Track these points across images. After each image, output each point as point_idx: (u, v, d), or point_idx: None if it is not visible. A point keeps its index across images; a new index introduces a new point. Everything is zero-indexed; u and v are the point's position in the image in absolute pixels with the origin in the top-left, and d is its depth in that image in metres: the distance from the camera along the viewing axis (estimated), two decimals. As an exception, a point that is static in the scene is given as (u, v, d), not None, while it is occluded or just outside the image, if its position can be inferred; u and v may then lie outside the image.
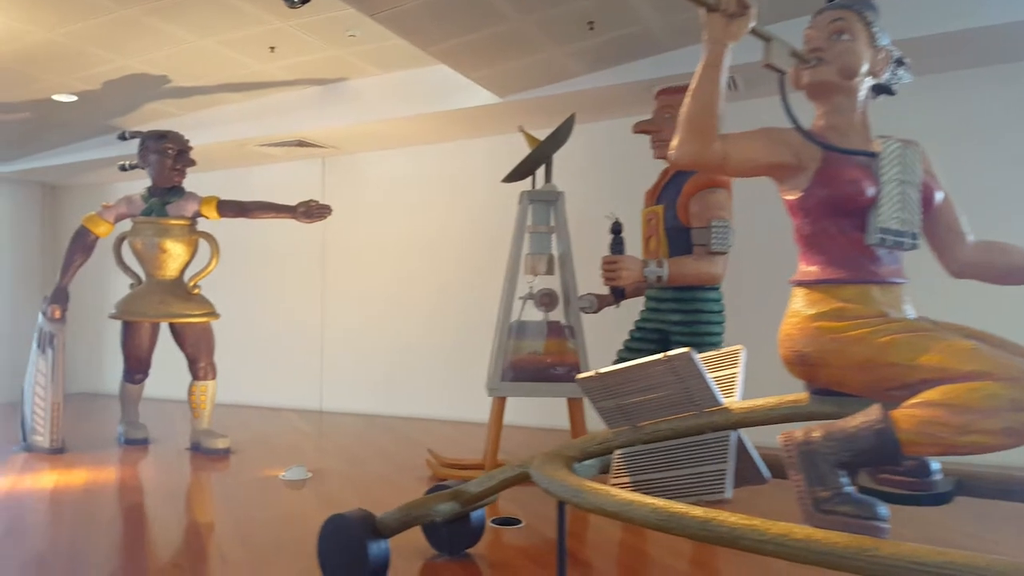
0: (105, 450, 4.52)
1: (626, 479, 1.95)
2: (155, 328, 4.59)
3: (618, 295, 3.42)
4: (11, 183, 6.65)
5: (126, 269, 4.64)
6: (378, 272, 5.84)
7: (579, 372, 3.69)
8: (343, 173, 5.92)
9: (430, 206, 5.65)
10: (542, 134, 3.79)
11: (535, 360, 3.76)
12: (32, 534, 3.00)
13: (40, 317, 4.43)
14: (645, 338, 3.41)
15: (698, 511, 1.54)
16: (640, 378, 1.90)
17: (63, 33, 3.87)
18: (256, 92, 5.06)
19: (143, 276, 4.60)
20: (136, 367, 4.62)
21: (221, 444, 4.39)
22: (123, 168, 4.68)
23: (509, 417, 5.03)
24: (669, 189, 3.27)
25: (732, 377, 1.91)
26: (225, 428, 4.48)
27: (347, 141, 5.48)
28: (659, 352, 3.41)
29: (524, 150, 3.84)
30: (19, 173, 6.47)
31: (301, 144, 5.44)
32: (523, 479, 2.19)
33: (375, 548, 2.24)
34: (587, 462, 2.12)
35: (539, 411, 4.82)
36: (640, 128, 3.39)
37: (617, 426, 2.01)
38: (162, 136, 4.46)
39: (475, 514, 2.58)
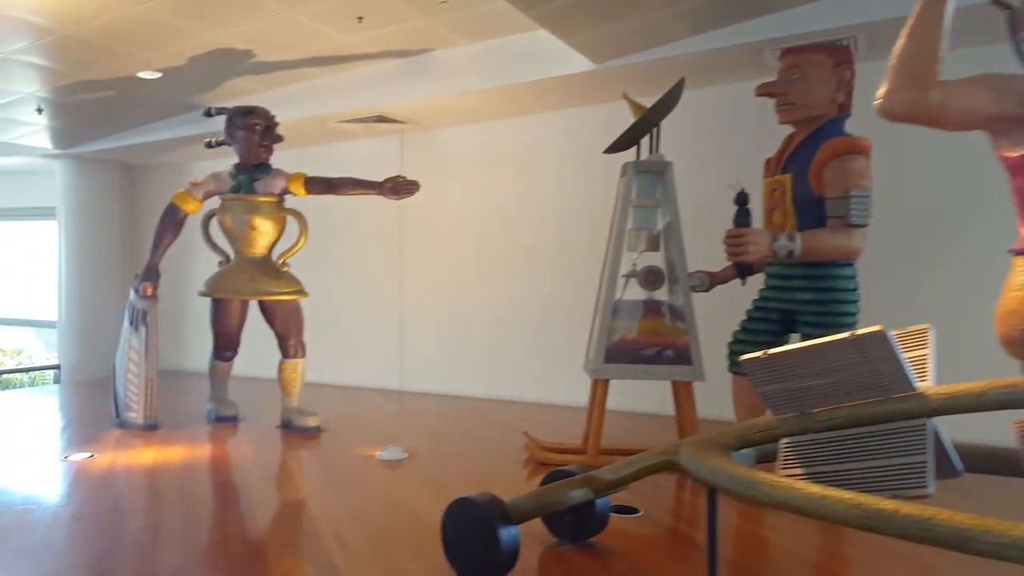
0: (196, 427, 4.52)
1: (798, 470, 1.77)
2: (244, 306, 4.55)
3: (743, 271, 3.22)
4: (91, 163, 6.70)
5: (214, 247, 4.61)
6: (458, 250, 5.72)
7: (686, 354, 3.51)
8: (422, 149, 5.80)
9: (512, 181, 5.49)
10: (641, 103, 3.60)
11: (638, 341, 3.59)
12: (139, 510, 2.97)
13: (132, 294, 4.42)
14: (766, 318, 3.21)
15: (911, 508, 1.36)
16: (815, 360, 1.71)
17: (152, 6, 3.81)
18: (337, 67, 4.95)
19: (231, 254, 4.56)
20: (226, 345, 4.59)
21: (312, 422, 4.34)
22: (209, 145, 4.63)
23: (575, 399, 4.91)
24: (798, 157, 3.04)
25: (923, 359, 1.71)
26: (309, 407, 4.43)
27: (427, 116, 5.35)
28: (782, 334, 3.25)
29: (618, 120, 3.65)
30: (99, 153, 6.51)
31: (381, 120, 5.33)
32: (665, 467, 2.04)
33: (506, 535, 2.11)
34: (744, 451, 1.95)
35: (629, 395, 4.63)
36: (764, 90, 3.17)
37: (783, 413, 1.83)
38: (249, 112, 4.39)
39: (599, 501, 2.44)
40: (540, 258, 5.36)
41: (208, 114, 4.54)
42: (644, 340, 3.60)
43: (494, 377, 5.50)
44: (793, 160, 3.07)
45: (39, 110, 5.20)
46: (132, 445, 4.01)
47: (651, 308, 3.62)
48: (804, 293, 3.03)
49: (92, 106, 5.33)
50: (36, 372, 7.94)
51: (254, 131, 4.37)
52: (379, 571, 2.33)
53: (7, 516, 2.84)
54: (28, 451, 3.87)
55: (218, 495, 3.31)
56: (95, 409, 5.13)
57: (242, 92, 5.20)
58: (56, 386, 6.64)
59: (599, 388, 3.62)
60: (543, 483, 2.55)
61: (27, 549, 2.50)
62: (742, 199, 3.04)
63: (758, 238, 2.86)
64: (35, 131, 5.94)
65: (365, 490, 3.27)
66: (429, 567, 2.33)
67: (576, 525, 2.47)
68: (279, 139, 4.43)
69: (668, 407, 4.39)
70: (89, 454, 3.74)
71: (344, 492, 3.22)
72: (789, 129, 3.25)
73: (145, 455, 3.81)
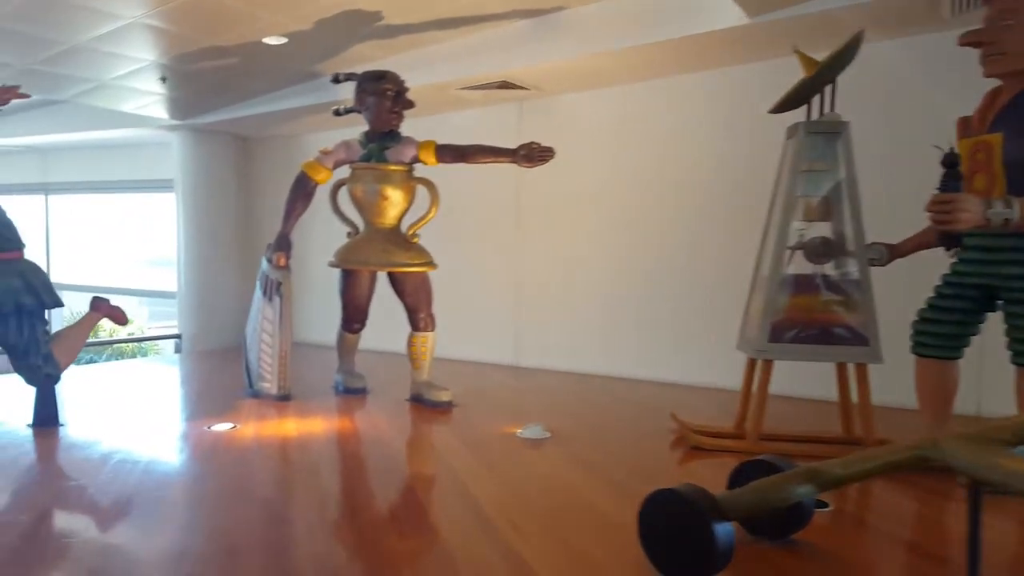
0: (327, 399, 4.48)
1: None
2: (374, 277, 4.47)
3: (950, 242, 2.90)
4: (208, 135, 6.74)
5: (343, 217, 4.53)
6: (579, 223, 5.51)
7: (862, 334, 3.23)
8: (542, 117, 5.58)
9: (640, 148, 5.23)
10: (791, 61, 3.30)
11: (803, 319, 3.33)
12: (292, 482, 2.90)
13: (264, 264, 4.39)
14: (961, 295, 2.88)
15: None
16: None
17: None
18: (462, 30, 4.77)
19: (359, 224, 4.47)
20: (355, 316, 4.52)
21: (444, 396, 4.24)
22: (337, 112, 4.53)
23: (726, 381, 4.67)
24: (1011, 114, 2.70)
25: None
26: (407, 377, 4.37)
27: (553, 81, 5.12)
28: (978, 312, 2.94)
29: (770, 80, 3.35)
30: (214, 124, 6.54)
31: (504, 86, 5.14)
32: (916, 463, 1.80)
33: (722, 532, 1.91)
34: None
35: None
36: (970, 39, 2.81)
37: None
38: (380, 76, 4.26)
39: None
40: (672, 231, 5.10)
41: (336, 80, 4.43)
42: (808, 317, 3.34)
43: (616, 354, 5.30)
44: (1005, 118, 2.72)
45: (163, 79, 5.21)
46: (270, 416, 3.99)
47: (806, 283, 3.36)
48: (1013, 267, 2.70)
49: (213, 75, 5.31)
50: (147, 342, 8.15)
51: (385, 96, 4.23)
52: (565, 558, 2.18)
53: (163, 485, 2.82)
54: (172, 420, 3.89)
55: (372, 468, 3.23)
56: (223, 379, 5.17)
57: (364, 59, 5.08)
58: (176, 356, 6.77)
59: (762, 369, 3.38)
60: (735, 475, 2.34)
61: (184, 521, 2.46)
62: (951, 160, 2.72)
63: (969, 204, 2.53)
64: (154, 102, 5.99)
65: (518, 470, 3.14)
66: (619, 557, 2.17)
67: (778, 521, 2.25)
68: (410, 105, 4.29)
69: (815, 390, 4.12)
70: (231, 424, 3.73)
71: (497, 472, 3.09)
72: (984, 85, 2.90)
73: (286, 426, 3.77)
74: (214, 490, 2.82)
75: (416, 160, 4.32)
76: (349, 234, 4.52)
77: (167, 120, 6.45)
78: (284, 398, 4.30)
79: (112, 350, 9.02)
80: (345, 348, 4.68)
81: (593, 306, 5.44)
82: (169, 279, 7.35)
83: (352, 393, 4.57)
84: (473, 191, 5.76)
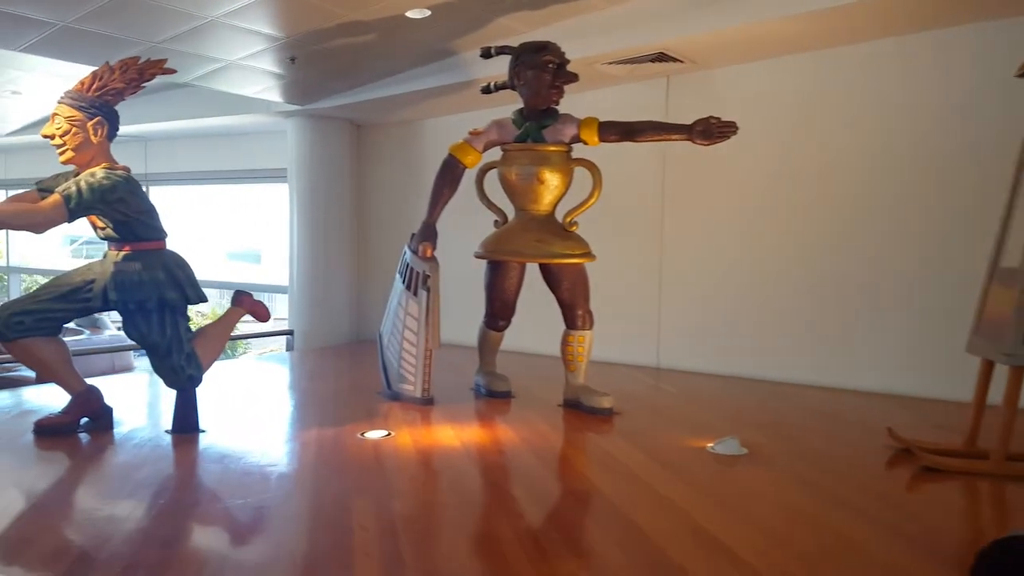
0: (470, 402, 4.11)
1: None
2: (524, 270, 4.06)
3: None
4: (323, 121, 6.45)
5: (490, 204, 4.14)
6: (732, 211, 4.99)
7: None
8: (692, 94, 5.07)
9: (805, 128, 4.68)
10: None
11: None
12: (477, 500, 2.50)
13: (406, 256, 4.03)
14: None
15: None
16: None
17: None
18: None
19: (507, 212, 4.07)
20: (502, 312, 4.13)
21: (606, 403, 3.80)
22: (487, 90, 4.13)
23: (922, 389, 4.11)
24: None
25: None
26: (551, 379, 3.93)
27: (713, 52, 4.62)
28: None
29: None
30: (331, 110, 6.25)
31: (660, 59, 4.66)
32: None
33: None
34: None
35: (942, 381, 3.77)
36: None
37: None
38: (540, 48, 3.83)
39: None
40: (835, 223, 4.54)
41: (487, 55, 4.04)
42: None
43: (776, 356, 4.78)
44: None
45: (292, 59, 4.92)
46: (421, 422, 3.62)
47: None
48: None
49: (344, 55, 4.99)
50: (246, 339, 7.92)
51: (546, 70, 3.81)
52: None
53: (342, 507, 2.45)
54: (317, 426, 3.55)
55: (565, 484, 2.81)
56: (353, 379, 4.88)
57: (506, 32, 4.66)
58: (287, 353, 6.51)
59: (1012, 376, 2.83)
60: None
61: (388, 553, 2.07)
62: None
63: None
64: (273, 86, 5.72)
65: (735, 493, 2.68)
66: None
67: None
68: (573, 78, 3.85)
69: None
70: (386, 432, 3.36)
71: (713, 495, 2.64)
72: None
73: (442, 434, 3.39)
74: (407, 514, 2.45)
75: (576, 140, 3.89)
76: (496, 222, 4.13)
77: (283, 106, 6.19)
78: (427, 402, 3.93)
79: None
80: (488, 347, 4.29)
81: (749, 304, 4.91)
82: (249, 273, 7.10)
83: (495, 396, 4.18)
84: (614, 175, 5.30)
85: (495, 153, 4.05)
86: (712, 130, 3.68)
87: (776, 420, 3.81)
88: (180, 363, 3.24)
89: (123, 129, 3.33)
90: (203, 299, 3.32)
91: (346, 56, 5.06)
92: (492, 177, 4.10)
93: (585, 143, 3.89)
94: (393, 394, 4.08)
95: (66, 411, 3.29)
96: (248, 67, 5.11)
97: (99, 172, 3.04)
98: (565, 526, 2.43)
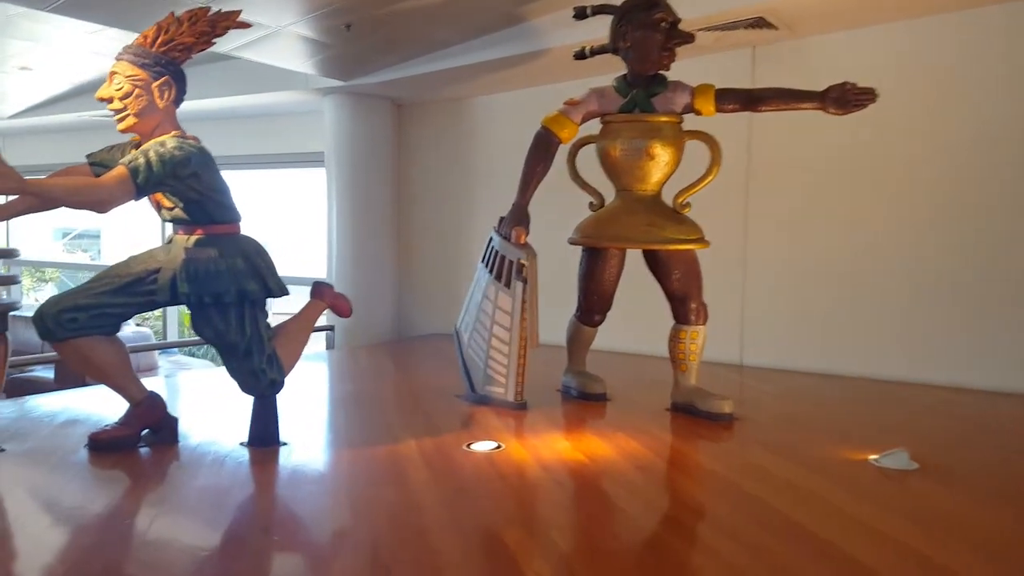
0: (561, 404, 3.69)
1: None
2: (624, 258, 3.63)
3: None
4: (364, 99, 5.95)
5: (585, 184, 3.70)
6: (828, 196, 4.57)
7: None
8: (779, 65, 4.62)
9: (910, 102, 4.25)
10: None
11: None
12: (672, 538, 2.06)
13: (494, 241, 3.58)
14: None
15: None
16: None
17: None
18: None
19: (605, 192, 3.63)
20: (599, 305, 3.69)
21: (726, 407, 3.38)
22: (581, 55, 3.68)
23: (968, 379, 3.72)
24: None
25: None
26: (645, 380, 3.50)
27: (817, 17, 4.19)
28: None
29: None
30: (373, 87, 5.76)
31: (757, 24, 4.22)
32: None
33: None
34: None
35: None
36: None
37: None
38: (651, 4, 3.38)
39: None
40: (944, 209, 4.14)
41: (582, 15, 3.58)
42: None
43: (862, 352, 4.38)
44: None
45: (348, 26, 4.44)
46: (527, 431, 3.19)
47: None
48: None
49: (402, 22, 4.52)
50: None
51: (657, 29, 3.37)
52: None
53: (494, 547, 2.01)
54: (406, 435, 3.10)
55: (739, 508, 2.36)
56: (417, 380, 4.43)
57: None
58: (328, 352, 6.02)
59: None
60: None
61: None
62: None
63: None
64: (315, 60, 5.24)
65: (927, 512, 2.27)
66: None
67: None
68: (688, 38, 3.41)
69: None
70: (495, 444, 2.92)
71: (907, 515, 2.22)
72: None
73: (558, 445, 2.95)
74: (579, 553, 2.01)
75: (689, 110, 3.45)
76: (592, 205, 3.69)
77: (322, 82, 5.71)
78: (520, 407, 3.49)
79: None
80: (579, 344, 3.86)
81: (835, 295, 4.50)
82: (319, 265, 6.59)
83: (589, 399, 3.74)
84: (690, 148, 4.87)
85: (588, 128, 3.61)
86: (848, 97, 3.27)
87: (923, 426, 3.40)
88: (261, 366, 2.78)
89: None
90: (285, 291, 2.86)
91: (404, 23, 4.59)
92: (585, 154, 3.66)
93: (698, 113, 3.46)
94: (479, 397, 3.63)
95: (125, 422, 2.83)
96: (294, 35, 4.63)
97: (169, 142, 2.57)
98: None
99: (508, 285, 3.47)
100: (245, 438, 2.89)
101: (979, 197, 4.08)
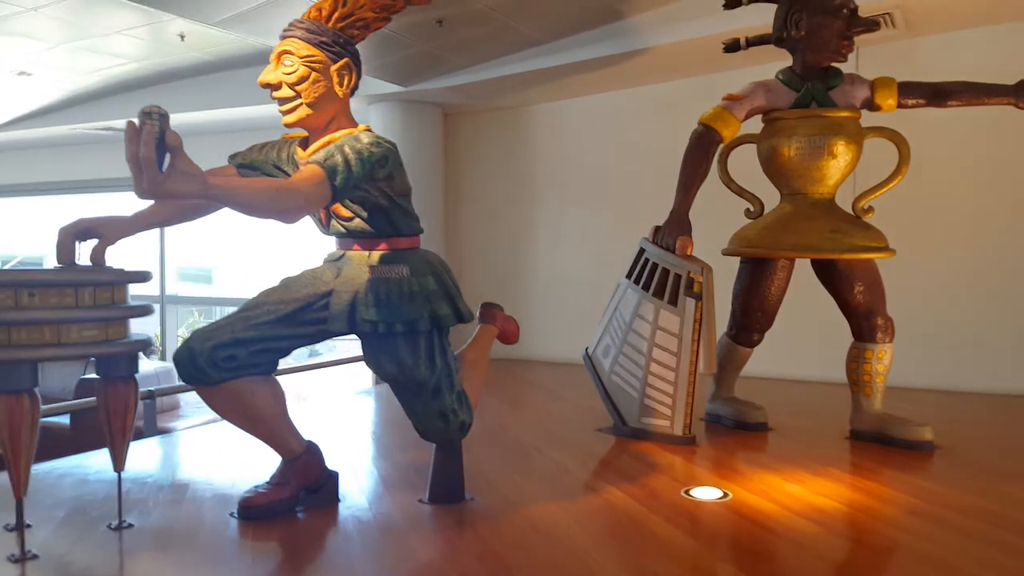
0: (725, 435, 3.29)
1: None
2: (792, 270, 3.26)
3: None
4: (413, 106, 5.48)
5: (742, 189, 3.34)
6: (919, 207, 4.29)
7: None
8: (887, 68, 4.36)
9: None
10: None
11: None
12: None
13: (649, 253, 3.17)
14: None
15: None
16: None
17: None
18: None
19: (763, 197, 3.27)
20: (760, 323, 3.32)
21: (927, 435, 3.02)
22: (734, 47, 3.33)
23: None
24: None
25: None
26: (790, 406, 3.17)
27: (943, 16, 3.93)
28: None
29: None
30: (425, 93, 5.32)
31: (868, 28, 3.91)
32: None
33: None
34: None
35: None
36: None
37: None
38: (831, -10, 3.05)
39: None
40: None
41: (733, 4, 3.25)
42: None
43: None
44: None
45: (440, 22, 3.99)
46: (730, 471, 2.76)
47: None
48: None
49: (489, 20, 4.10)
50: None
51: (839, 16, 3.04)
52: None
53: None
54: (600, 484, 2.65)
55: None
56: (532, 411, 3.97)
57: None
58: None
59: None
60: None
61: None
62: None
63: None
64: (381, 63, 4.78)
65: None
66: None
67: None
68: (873, 26, 3.09)
69: None
70: (722, 493, 2.48)
71: None
72: None
73: (789, 488, 2.53)
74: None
75: (868, 104, 3.13)
76: (749, 212, 3.33)
77: (372, 88, 5.23)
78: (689, 441, 3.07)
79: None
80: (733, 366, 3.48)
81: (979, 311, 4.24)
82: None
83: (749, 429, 3.36)
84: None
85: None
86: (1041, 92, 2.98)
87: None
88: (452, 405, 2.29)
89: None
90: (472, 316, 2.38)
91: (491, 22, 4.17)
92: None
93: (878, 108, 3.13)
94: (633, 431, 3.20)
95: (282, 481, 2.30)
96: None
97: (364, 136, 2.09)
98: None
99: (673, 303, 3.06)
100: (424, 495, 2.40)
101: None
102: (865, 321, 3.14)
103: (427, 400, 2.26)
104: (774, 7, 3.21)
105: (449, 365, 2.30)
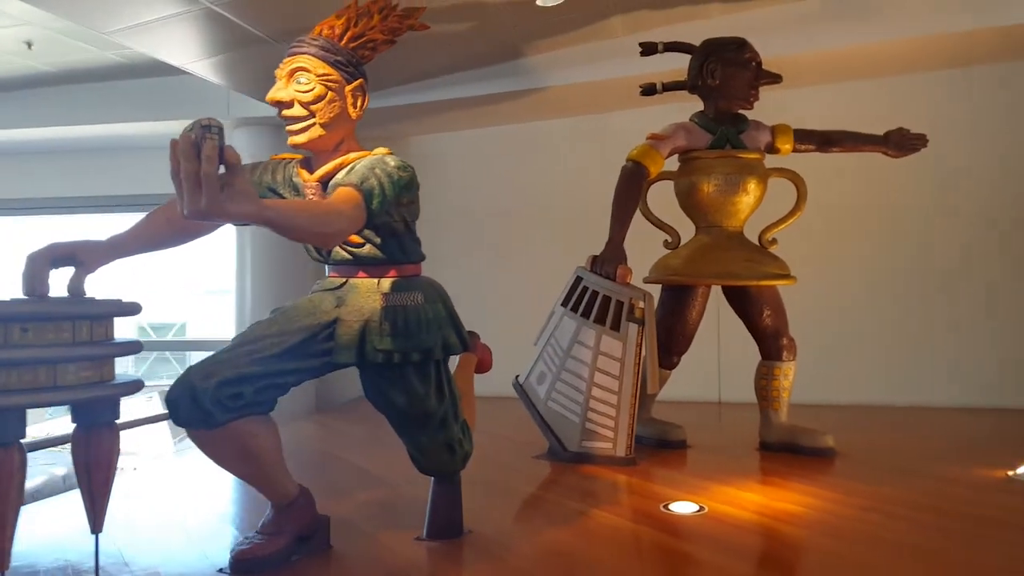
0: (647, 455, 3.45)
1: None
2: (708, 296, 3.55)
3: None
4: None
5: (661, 222, 3.59)
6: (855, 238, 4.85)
7: None
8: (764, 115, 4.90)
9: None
10: None
11: None
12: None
13: (589, 281, 3.30)
14: None
15: None
16: None
17: None
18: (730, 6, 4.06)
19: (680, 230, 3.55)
20: (680, 346, 3.54)
21: (830, 441, 3.39)
22: (650, 91, 3.60)
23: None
24: None
25: None
26: (693, 423, 3.56)
27: (807, 71, 4.50)
28: None
29: None
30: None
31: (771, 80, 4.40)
32: None
33: None
34: None
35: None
36: None
37: None
38: (741, 44, 3.41)
39: None
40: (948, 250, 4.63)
41: (650, 51, 3.52)
42: None
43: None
44: None
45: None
46: (695, 487, 2.89)
47: None
48: None
49: (430, 43, 4.09)
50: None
51: (748, 68, 3.40)
52: None
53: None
54: (587, 504, 2.70)
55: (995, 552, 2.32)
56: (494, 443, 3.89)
57: (604, 35, 4.14)
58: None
59: None
60: None
61: None
62: None
63: None
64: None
65: None
66: None
67: None
68: (776, 79, 3.47)
69: None
70: (697, 507, 2.62)
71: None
72: None
73: (750, 498, 2.72)
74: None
75: (769, 147, 3.51)
76: (667, 243, 3.59)
77: (240, 109, 4.96)
78: (629, 462, 3.22)
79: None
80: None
81: (818, 328, 4.81)
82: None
83: (669, 447, 3.57)
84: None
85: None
86: (905, 142, 3.53)
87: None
88: (457, 436, 2.25)
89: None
90: (471, 347, 2.36)
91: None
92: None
93: (777, 151, 3.52)
94: (573, 456, 3.29)
95: (275, 530, 2.10)
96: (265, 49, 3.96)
97: (391, 161, 2.01)
98: None
99: (616, 328, 3.21)
100: (422, 532, 2.32)
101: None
102: (773, 341, 3.48)
103: (433, 432, 2.20)
104: (687, 57, 3.53)
105: (454, 394, 2.26)
